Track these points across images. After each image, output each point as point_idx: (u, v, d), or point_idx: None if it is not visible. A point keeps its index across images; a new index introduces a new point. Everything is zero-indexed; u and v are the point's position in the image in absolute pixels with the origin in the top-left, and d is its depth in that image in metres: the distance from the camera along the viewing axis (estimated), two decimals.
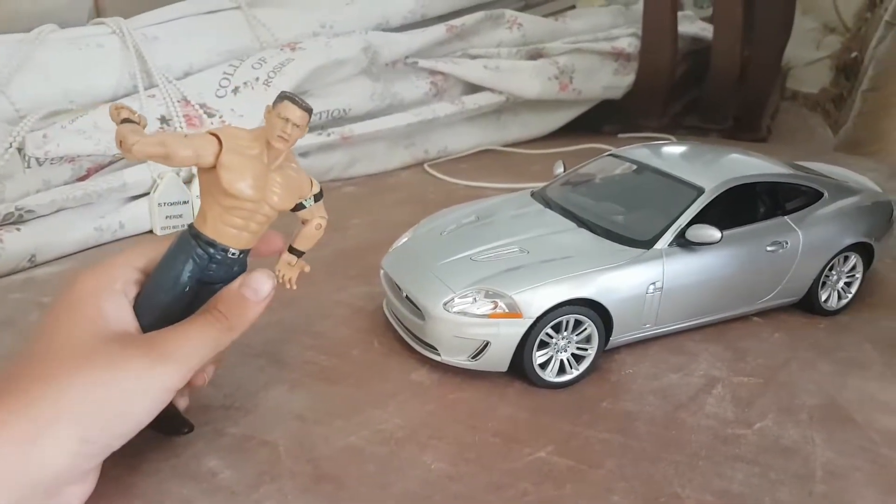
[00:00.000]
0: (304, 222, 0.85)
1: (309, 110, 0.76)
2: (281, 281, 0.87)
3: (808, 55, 2.94)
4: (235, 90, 1.79)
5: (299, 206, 0.82)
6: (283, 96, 0.75)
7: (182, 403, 0.90)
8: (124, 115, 0.73)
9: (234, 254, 0.79)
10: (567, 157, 1.48)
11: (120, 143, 0.69)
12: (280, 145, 0.75)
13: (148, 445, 0.88)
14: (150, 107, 1.67)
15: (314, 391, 1.02)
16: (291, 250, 0.87)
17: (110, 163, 1.61)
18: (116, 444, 0.73)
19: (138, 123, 0.73)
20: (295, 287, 0.87)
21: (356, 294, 1.33)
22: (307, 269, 0.89)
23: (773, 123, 2.80)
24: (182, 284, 0.79)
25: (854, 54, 2.71)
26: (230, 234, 0.77)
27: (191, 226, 0.79)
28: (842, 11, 2.79)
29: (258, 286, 0.80)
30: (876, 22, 2.61)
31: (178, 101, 1.71)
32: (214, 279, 0.80)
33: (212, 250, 0.78)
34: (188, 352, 0.76)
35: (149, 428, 0.86)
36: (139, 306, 0.79)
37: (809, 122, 2.85)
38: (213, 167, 0.73)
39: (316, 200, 0.84)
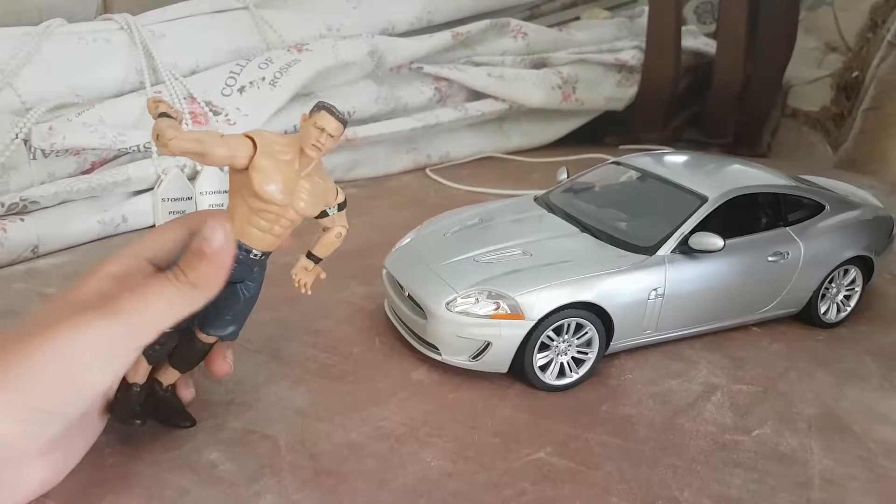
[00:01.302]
0: (325, 229, 0.87)
1: (345, 122, 0.77)
2: (297, 285, 0.89)
3: (809, 73, 2.96)
4: (241, 89, 1.80)
5: (323, 214, 0.84)
6: (320, 106, 0.76)
7: (188, 395, 0.91)
8: (162, 109, 0.74)
9: (255, 255, 0.80)
10: (568, 166, 1.49)
11: (157, 138, 0.70)
12: (313, 153, 0.76)
13: (149, 436, 0.88)
14: None
15: (315, 388, 1.02)
16: (310, 256, 0.89)
17: (115, 157, 1.61)
18: (71, 412, 0.70)
19: (175, 119, 0.74)
20: (310, 292, 0.89)
21: (357, 293, 1.33)
22: (323, 275, 0.91)
23: (774, 140, 2.82)
24: None
25: (855, 73, 2.73)
26: (254, 236, 0.79)
27: None
28: (844, 31, 2.81)
29: (208, 234, 0.75)
30: (878, 42, 2.64)
31: (185, 99, 1.72)
32: (234, 278, 0.81)
33: (234, 250, 0.78)
34: (141, 307, 0.72)
35: (151, 418, 0.87)
36: None
37: (809, 140, 2.87)
38: (246, 168, 0.75)
39: (339, 209, 0.86)
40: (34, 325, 0.70)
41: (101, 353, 0.70)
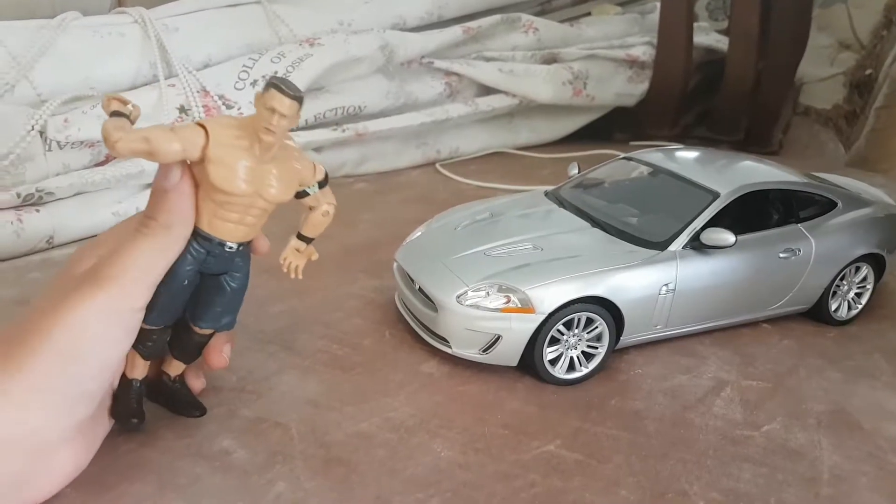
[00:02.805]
0: (310, 209, 0.82)
1: (299, 98, 0.69)
2: (286, 270, 0.85)
3: (821, 71, 2.94)
4: (254, 83, 1.81)
5: (302, 194, 0.80)
6: (270, 83, 0.69)
7: (198, 385, 0.91)
8: (114, 107, 0.70)
9: (231, 247, 0.77)
10: (578, 161, 1.49)
11: (105, 140, 0.67)
12: (269, 138, 0.70)
13: (161, 424, 0.89)
14: (169, 96, 1.68)
15: (326, 378, 1.03)
16: (300, 237, 0.84)
17: None
18: (91, 388, 0.72)
19: (128, 116, 0.70)
20: (301, 277, 0.85)
21: (367, 287, 1.33)
22: (314, 256, 0.86)
23: (785, 137, 2.80)
24: (179, 279, 0.77)
25: (868, 71, 2.71)
26: (226, 229, 0.75)
27: None
28: (857, 28, 2.79)
29: (164, 170, 0.73)
30: (892, 40, 2.62)
31: (198, 92, 1.73)
32: (215, 271, 0.79)
33: (208, 245, 0.76)
34: (124, 267, 0.72)
35: (161, 406, 0.89)
36: None
37: (821, 138, 2.85)
38: (202, 161, 0.71)
39: (321, 187, 0.81)
40: (37, 311, 0.71)
41: (103, 321, 0.71)
